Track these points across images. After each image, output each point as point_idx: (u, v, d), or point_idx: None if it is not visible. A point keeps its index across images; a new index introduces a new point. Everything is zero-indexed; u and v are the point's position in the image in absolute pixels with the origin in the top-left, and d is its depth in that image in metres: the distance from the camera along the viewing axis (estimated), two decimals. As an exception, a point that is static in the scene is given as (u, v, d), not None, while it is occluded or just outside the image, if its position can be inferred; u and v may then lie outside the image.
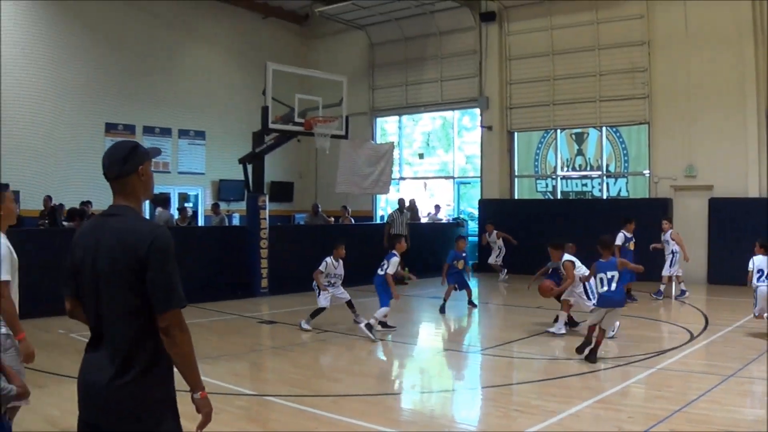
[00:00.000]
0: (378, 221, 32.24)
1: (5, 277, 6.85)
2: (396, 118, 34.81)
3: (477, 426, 9.38)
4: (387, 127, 35.33)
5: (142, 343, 4.37)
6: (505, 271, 26.24)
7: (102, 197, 23.54)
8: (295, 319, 16.81)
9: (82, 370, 4.54)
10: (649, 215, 23.62)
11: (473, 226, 30.63)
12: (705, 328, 15.91)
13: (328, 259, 15.90)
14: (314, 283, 15.89)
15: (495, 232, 26.18)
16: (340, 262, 15.97)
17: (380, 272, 15.49)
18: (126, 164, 4.60)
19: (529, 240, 25.13)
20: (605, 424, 9.02)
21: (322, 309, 15.82)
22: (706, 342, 14.50)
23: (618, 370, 11.88)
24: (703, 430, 8.62)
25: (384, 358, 13.78)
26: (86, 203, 24.29)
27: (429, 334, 16.47)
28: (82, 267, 4.54)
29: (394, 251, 15.83)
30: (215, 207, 28.28)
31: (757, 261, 14.89)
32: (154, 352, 4.39)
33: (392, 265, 15.31)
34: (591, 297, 14.52)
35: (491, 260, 26.84)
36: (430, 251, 26.57)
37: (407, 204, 28.21)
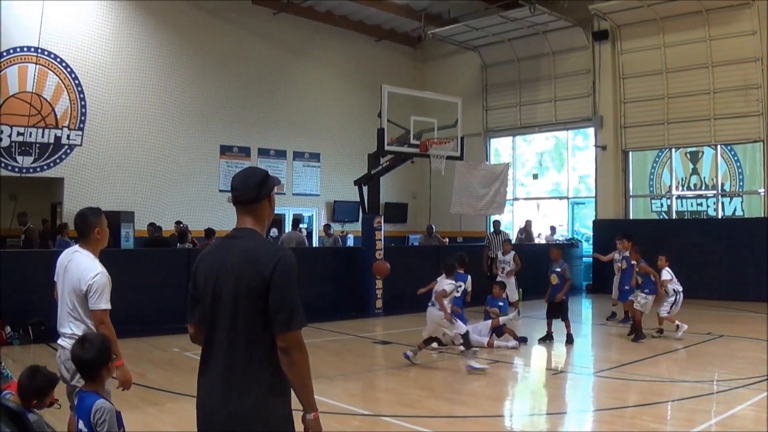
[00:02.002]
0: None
1: (107, 305, 7.04)
2: (509, 138, 34.68)
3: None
4: (500, 148, 35.22)
5: (263, 365, 4.46)
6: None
7: (218, 219, 23.98)
8: (409, 339, 16.83)
9: (201, 394, 4.64)
10: (766, 235, 23.24)
11: (587, 247, 30.37)
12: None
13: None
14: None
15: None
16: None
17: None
18: (261, 190, 4.76)
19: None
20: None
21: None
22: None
23: (732, 393, 11.71)
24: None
25: (498, 379, 13.77)
26: (178, 222, 24.78)
27: (542, 356, 16.38)
28: (204, 289, 4.64)
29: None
30: (326, 228, 28.51)
31: None
32: (274, 374, 4.47)
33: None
34: None
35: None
36: (544, 272, 26.41)
37: (522, 225, 28.14)
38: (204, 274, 4.67)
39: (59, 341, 7.21)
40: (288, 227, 31.12)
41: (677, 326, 17.13)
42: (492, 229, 25.07)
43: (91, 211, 7.52)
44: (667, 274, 17.56)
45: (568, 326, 16.99)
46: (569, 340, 16.87)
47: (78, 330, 7.03)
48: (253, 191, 4.73)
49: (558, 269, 17.24)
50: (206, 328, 4.65)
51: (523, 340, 17.09)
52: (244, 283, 4.45)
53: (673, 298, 17.40)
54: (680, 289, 17.50)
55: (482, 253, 23.11)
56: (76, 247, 7.32)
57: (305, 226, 30.73)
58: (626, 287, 19.15)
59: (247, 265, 4.48)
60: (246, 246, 4.59)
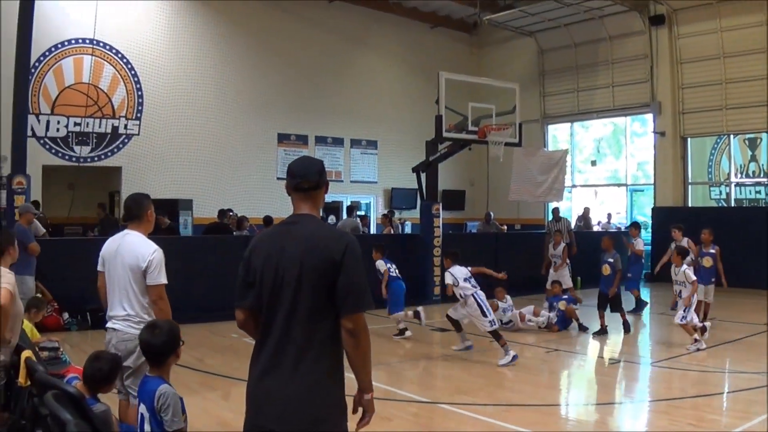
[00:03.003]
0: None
1: (165, 280, 7.32)
2: (567, 124, 34.56)
3: (651, 440, 9.28)
4: (558, 134, 35.13)
5: (322, 349, 4.57)
6: None
7: (276, 207, 24.06)
8: (466, 326, 16.88)
9: (255, 377, 4.71)
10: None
11: (646, 235, 30.11)
12: None
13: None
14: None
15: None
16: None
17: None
18: (322, 176, 4.92)
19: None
20: (780, 440, 8.91)
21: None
22: None
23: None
24: None
25: (555, 368, 13.74)
26: (228, 210, 24.76)
27: (598, 345, 16.31)
28: (261, 275, 4.70)
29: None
30: (387, 215, 28.56)
31: None
32: (331, 358, 4.60)
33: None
34: None
35: None
36: (601, 260, 26.35)
37: (581, 212, 28.03)
38: (261, 260, 4.73)
39: (109, 324, 7.43)
40: (345, 215, 31.23)
41: (695, 339, 14.70)
42: (552, 217, 24.96)
43: (144, 196, 7.80)
44: (449, 276, 14.63)
45: (623, 315, 16.87)
46: (626, 329, 16.72)
47: (132, 310, 7.29)
48: (314, 178, 4.87)
49: (610, 259, 17.00)
50: (263, 313, 4.72)
51: (584, 329, 17.04)
52: (310, 267, 4.55)
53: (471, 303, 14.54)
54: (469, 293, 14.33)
55: (543, 240, 23.02)
56: (126, 230, 7.54)
57: (362, 213, 30.74)
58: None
59: (313, 249, 4.58)
60: (309, 231, 4.69)
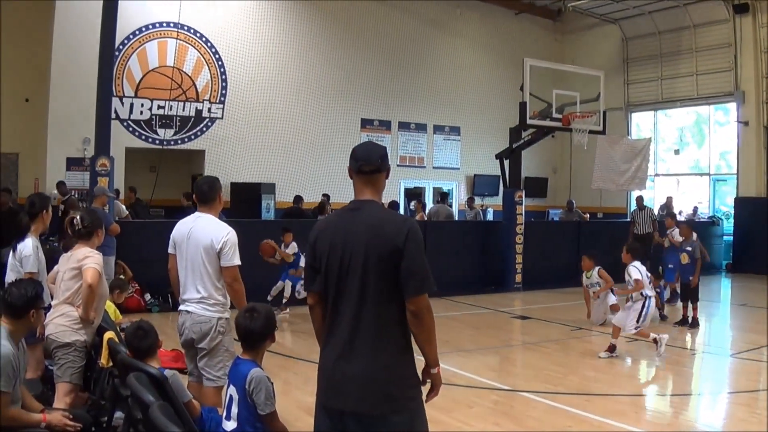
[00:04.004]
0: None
1: (239, 262, 7.51)
2: (650, 113, 34.28)
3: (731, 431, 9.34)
4: (641, 123, 34.84)
5: (391, 330, 4.75)
6: None
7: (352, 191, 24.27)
8: (548, 315, 17.05)
9: (328, 361, 4.89)
10: None
11: (728, 225, 29.90)
12: None
13: None
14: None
15: None
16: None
17: None
18: (384, 161, 5.05)
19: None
20: None
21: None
22: None
23: None
24: None
25: (635, 358, 13.79)
26: (325, 196, 25.06)
27: (680, 336, 16.22)
28: (327, 261, 4.86)
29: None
30: (470, 201, 28.66)
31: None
32: (401, 337, 4.78)
33: None
34: None
35: None
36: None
37: (663, 201, 27.88)
38: (327, 245, 4.89)
39: (183, 307, 7.65)
40: (429, 200, 31.38)
41: (655, 340, 13.45)
42: (635, 206, 24.89)
43: (215, 179, 7.98)
44: (636, 271, 13.69)
45: (695, 309, 16.51)
46: (694, 324, 16.52)
47: (206, 292, 7.46)
48: (377, 162, 5.00)
49: (689, 248, 16.76)
50: (332, 299, 4.89)
51: (663, 318, 17.02)
52: (375, 251, 4.71)
53: (640, 305, 13.57)
54: (651, 294, 13.86)
55: (629, 229, 22.98)
56: (197, 213, 7.70)
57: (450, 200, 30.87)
58: None
59: (377, 234, 4.75)
60: (372, 216, 4.86)
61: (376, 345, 4.73)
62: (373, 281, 4.72)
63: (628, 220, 24.59)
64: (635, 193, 26.20)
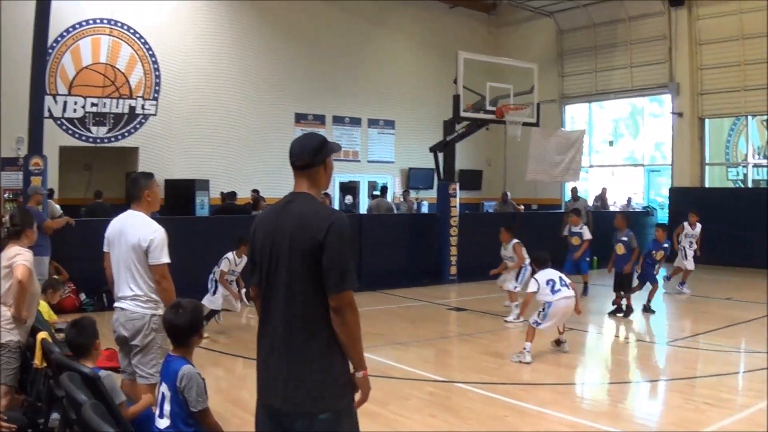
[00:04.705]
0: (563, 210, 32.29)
1: (168, 259, 7.34)
2: (585, 105, 34.49)
3: (666, 418, 9.29)
4: (575, 115, 35.04)
5: (320, 324, 4.60)
6: None
7: (290, 186, 24.12)
8: (483, 306, 17.04)
9: (261, 353, 4.82)
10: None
11: (662, 216, 30.13)
12: None
13: (230, 255, 14.83)
14: (212, 282, 14.66)
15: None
16: (243, 258, 14.64)
17: None
18: (317, 155, 4.89)
19: (720, 230, 24.69)
20: (795, 419, 8.93)
21: (215, 312, 14.72)
22: None
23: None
24: None
25: (571, 347, 13.78)
26: (255, 191, 24.96)
27: (614, 325, 16.31)
28: (261, 252, 4.80)
29: None
30: (405, 194, 28.62)
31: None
32: (331, 334, 4.61)
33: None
34: None
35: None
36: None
37: (598, 193, 28.00)
38: (261, 238, 4.83)
39: (117, 304, 7.49)
40: (363, 194, 31.35)
41: (558, 341, 13.18)
42: (570, 197, 24.97)
43: (143, 175, 7.78)
44: (518, 248, 16.28)
45: (629, 299, 16.62)
46: (628, 312, 16.57)
47: (139, 290, 7.33)
48: (308, 156, 4.87)
49: (624, 238, 16.79)
50: (263, 291, 4.82)
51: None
52: (299, 245, 4.59)
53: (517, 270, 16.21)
54: (528, 263, 15.86)
55: (562, 220, 23.06)
56: (129, 211, 7.55)
57: (377, 193, 30.85)
58: None
59: (301, 227, 4.62)
60: (301, 209, 4.72)
61: (303, 342, 4.62)
62: (299, 276, 4.62)
63: (563, 211, 24.60)
64: (570, 185, 26.29)
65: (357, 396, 4.82)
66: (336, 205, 29.11)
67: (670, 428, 8.72)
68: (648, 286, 17.40)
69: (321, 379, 4.60)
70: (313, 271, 4.56)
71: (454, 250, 22.24)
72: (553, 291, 12.33)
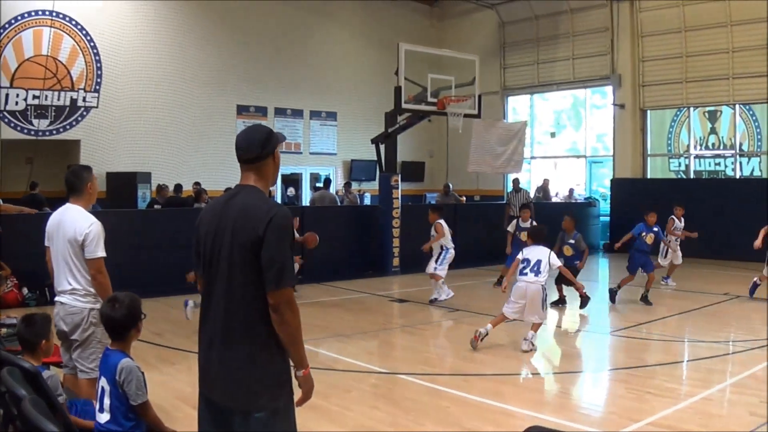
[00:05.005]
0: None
1: (103, 253, 7.28)
2: (527, 96, 34.60)
3: (609, 408, 9.31)
4: (518, 106, 35.14)
5: (259, 320, 4.51)
6: None
7: (236, 179, 23.99)
8: (426, 297, 16.99)
9: (202, 350, 4.76)
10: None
11: (605, 207, 30.32)
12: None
13: None
14: None
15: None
16: None
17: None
18: (265, 147, 4.77)
19: (661, 220, 24.84)
20: (738, 408, 8.98)
21: None
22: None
23: (750, 353, 11.69)
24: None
25: (513, 338, 13.79)
26: (197, 184, 24.67)
27: (557, 315, 16.35)
28: (204, 244, 4.72)
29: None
30: (347, 186, 28.54)
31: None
32: (269, 330, 4.51)
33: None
34: None
35: None
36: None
37: (540, 183, 28.08)
38: (204, 230, 4.76)
39: (57, 298, 7.43)
40: (305, 186, 31.25)
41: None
42: (512, 188, 25.06)
43: (84, 168, 7.72)
44: (440, 227, 16.98)
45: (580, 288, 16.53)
46: (585, 302, 16.50)
47: (77, 284, 7.28)
48: (256, 149, 4.76)
49: (571, 241, 16.65)
50: (205, 285, 4.71)
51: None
52: (239, 239, 4.51)
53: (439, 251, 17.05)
54: (450, 246, 17.09)
55: (504, 211, 23.09)
56: (67, 204, 7.48)
57: (320, 185, 30.76)
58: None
59: (243, 221, 4.53)
60: (243, 202, 4.62)
61: (241, 337, 4.54)
62: (239, 270, 4.54)
63: (505, 202, 24.66)
64: (512, 176, 26.32)
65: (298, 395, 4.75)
66: (278, 198, 29.23)
67: (613, 418, 8.71)
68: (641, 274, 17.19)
69: (259, 377, 4.52)
70: (253, 266, 4.47)
71: (396, 242, 22.20)
72: (521, 272, 12.38)
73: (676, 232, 19.31)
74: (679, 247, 19.58)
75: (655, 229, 17.18)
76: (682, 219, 19.87)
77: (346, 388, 9.91)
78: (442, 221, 16.91)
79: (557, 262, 12.77)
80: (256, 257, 4.45)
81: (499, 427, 8.22)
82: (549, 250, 12.70)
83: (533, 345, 12.20)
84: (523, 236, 18.46)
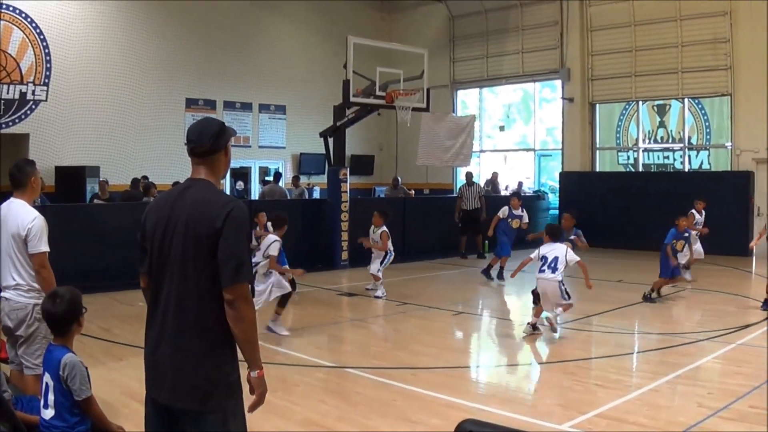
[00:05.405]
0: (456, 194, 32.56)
1: (46, 248, 7.24)
2: (476, 90, 34.65)
3: (556, 400, 9.32)
4: (467, 100, 35.19)
5: (212, 318, 4.40)
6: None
7: (185, 172, 23.83)
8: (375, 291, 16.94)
9: (148, 346, 4.63)
10: (731, 188, 23.46)
11: (554, 199, 30.44)
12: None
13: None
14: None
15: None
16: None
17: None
18: (218, 141, 4.66)
19: (610, 213, 25.00)
20: (685, 400, 9.02)
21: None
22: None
23: (697, 345, 11.75)
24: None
25: (462, 331, 13.76)
26: (144, 177, 24.53)
27: (505, 308, 16.39)
28: (152, 240, 4.58)
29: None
30: (295, 180, 28.44)
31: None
32: (222, 328, 4.40)
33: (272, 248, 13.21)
34: None
35: None
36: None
37: (489, 177, 28.13)
38: (153, 225, 4.62)
39: (2, 294, 7.36)
40: (255, 180, 31.11)
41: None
42: (465, 181, 25.10)
43: (27, 162, 7.75)
44: (384, 233, 17.35)
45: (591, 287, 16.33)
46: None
47: (21, 279, 7.24)
48: (208, 142, 4.64)
49: (572, 237, 15.90)
50: (154, 280, 4.58)
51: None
52: (194, 233, 4.39)
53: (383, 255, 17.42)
54: (391, 248, 17.54)
55: (456, 204, 23.08)
56: (11, 198, 7.46)
57: (270, 179, 30.64)
58: None
59: (197, 215, 4.42)
60: (197, 196, 4.51)
61: (193, 335, 4.42)
62: (192, 265, 4.41)
63: (456, 195, 24.67)
64: (464, 170, 26.37)
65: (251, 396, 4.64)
66: (227, 192, 28.88)
67: (560, 410, 8.72)
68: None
69: (210, 377, 4.41)
70: (207, 261, 4.36)
71: (345, 236, 22.12)
72: (539, 270, 12.70)
73: (696, 227, 19.32)
74: (699, 241, 19.58)
75: (686, 234, 17.09)
76: (703, 212, 19.88)
77: (294, 382, 9.87)
78: (387, 232, 17.25)
79: (575, 258, 12.82)
80: (212, 251, 4.35)
81: (445, 420, 8.20)
82: (566, 247, 12.89)
83: (557, 323, 12.63)
84: (515, 224, 18.66)
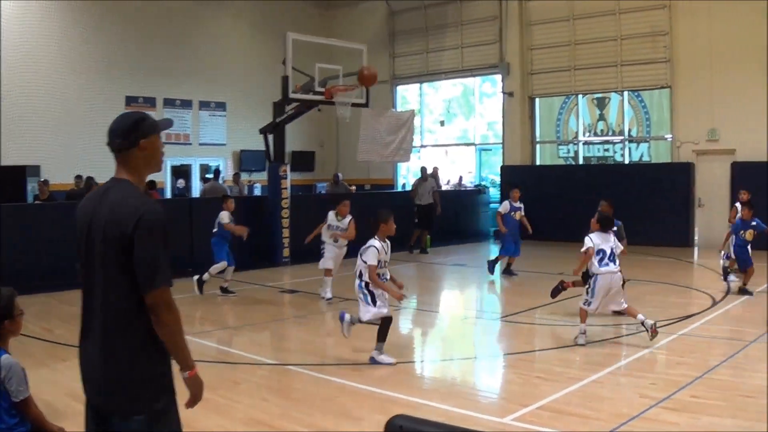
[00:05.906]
0: (399, 189, 32.47)
1: None
2: (416, 85, 34.76)
3: (499, 393, 9.38)
4: (407, 95, 35.29)
5: (137, 320, 4.30)
6: None
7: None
8: (316, 287, 16.84)
9: (80, 350, 4.53)
10: (672, 180, 23.65)
11: (494, 193, 30.54)
12: (727, 293, 15.81)
13: (376, 243, 11.23)
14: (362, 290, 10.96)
15: None
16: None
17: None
18: (127, 137, 4.53)
19: (551, 206, 25.13)
20: (628, 391, 9.08)
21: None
22: (728, 307, 14.48)
23: (640, 336, 11.75)
24: (726, 396, 8.61)
25: (405, 325, 13.77)
26: (78, 177, 24.47)
27: (450, 302, 16.41)
28: (79, 241, 4.50)
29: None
30: (236, 177, 28.32)
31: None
32: (146, 330, 4.31)
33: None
34: None
35: None
36: (452, 219, 26.70)
37: (430, 171, 28.24)
38: (80, 226, 4.51)
39: None
40: (195, 178, 30.93)
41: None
42: (420, 175, 25.19)
43: None
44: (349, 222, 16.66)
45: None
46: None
47: None
48: (119, 138, 4.54)
49: (614, 228, 15.52)
50: (83, 282, 4.48)
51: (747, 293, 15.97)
52: (111, 237, 4.27)
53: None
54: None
55: (410, 196, 23.13)
56: None
57: (210, 176, 30.50)
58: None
59: (113, 219, 4.29)
60: (114, 199, 4.39)
61: (118, 336, 4.32)
62: (112, 269, 4.31)
63: (407, 190, 24.77)
64: (409, 164, 26.43)
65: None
66: (168, 190, 28.93)
67: (502, 403, 8.79)
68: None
69: (137, 378, 4.30)
70: (125, 265, 4.26)
71: (286, 233, 22.09)
72: (600, 263, 11.85)
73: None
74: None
75: (754, 222, 16.25)
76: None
77: (235, 380, 9.85)
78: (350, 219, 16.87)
79: (620, 246, 12.34)
80: (127, 257, 4.24)
81: (387, 415, 7.97)
82: (613, 235, 12.33)
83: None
84: (517, 215, 18.54)
